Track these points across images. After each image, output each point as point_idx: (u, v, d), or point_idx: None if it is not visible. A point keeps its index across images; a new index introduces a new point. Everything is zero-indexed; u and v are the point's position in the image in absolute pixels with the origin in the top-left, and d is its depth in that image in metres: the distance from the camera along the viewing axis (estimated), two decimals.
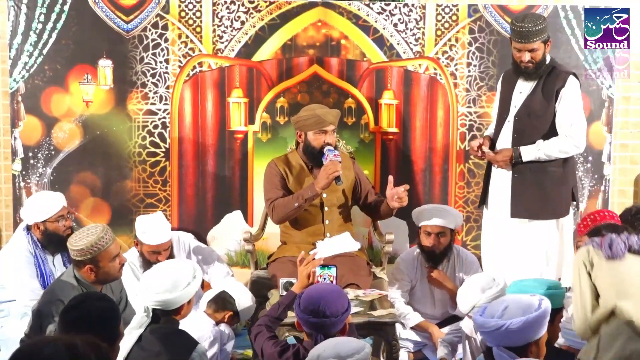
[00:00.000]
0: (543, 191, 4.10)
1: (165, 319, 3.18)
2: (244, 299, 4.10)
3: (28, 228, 4.34)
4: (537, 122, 4.08)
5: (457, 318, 4.48)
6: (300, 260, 3.65)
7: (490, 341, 2.73)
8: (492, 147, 4.23)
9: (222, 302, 4.02)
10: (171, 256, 4.38)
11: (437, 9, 5.08)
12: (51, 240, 4.28)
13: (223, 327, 4.06)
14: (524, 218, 4.12)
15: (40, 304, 3.57)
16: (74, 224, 4.49)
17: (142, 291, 3.19)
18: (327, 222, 4.33)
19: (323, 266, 3.70)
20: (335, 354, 2.56)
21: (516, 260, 4.12)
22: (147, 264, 4.26)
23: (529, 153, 4.04)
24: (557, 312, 3.06)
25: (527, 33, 4.00)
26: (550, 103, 4.07)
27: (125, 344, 3.04)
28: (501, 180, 4.19)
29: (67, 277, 3.61)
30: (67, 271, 3.67)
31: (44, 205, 4.31)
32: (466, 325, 4.22)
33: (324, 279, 3.67)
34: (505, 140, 4.15)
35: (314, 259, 3.67)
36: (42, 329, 3.49)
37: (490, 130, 4.43)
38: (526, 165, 4.07)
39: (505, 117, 4.16)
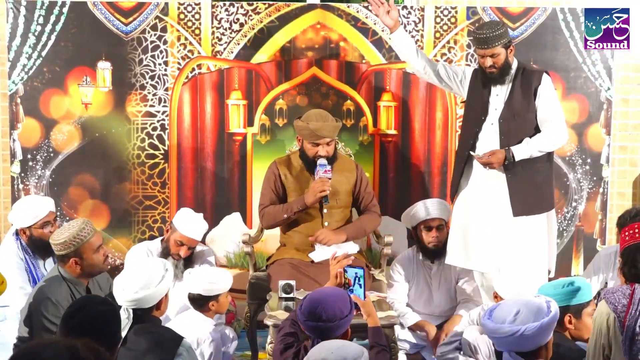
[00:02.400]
0: (536, 187, 4.22)
1: (146, 317, 3.20)
2: (217, 279, 4.00)
3: (17, 233, 4.32)
4: (521, 121, 4.18)
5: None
6: (334, 258, 3.69)
7: (501, 346, 2.70)
8: (473, 149, 4.26)
9: (199, 300, 3.95)
10: (190, 258, 4.38)
11: (435, 11, 5.08)
12: (37, 246, 4.25)
13: (227, 330, 4.05)
14: (525, 215, 4.18)
15: (28, 304, 3.58)
16: None
17: (119, 293, 3.21)
18: (326, 223, 4.33)
19: (351, 266, 3.69)
20: (335, 357, 2.53)
21: (517, 256, 4.15)
22: (165, 255, 4.31)
23: (521, 152, 4.13)
24: (586, 305, 3.08)
25: (485, 39, 4.12)
26: (530, 102, 4.19)
27: None
28: (489, 180, 4.22)
29: (52, 275, 3.64)
30: (52, 269, 3.71)
31: (29, 211, 4.27)
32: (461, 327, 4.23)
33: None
34: (490, 142, 4.21)
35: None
36: (32, 329, 3.49)
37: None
38: (517, 165, 4.15)
39: (484, 120, 4.22)
